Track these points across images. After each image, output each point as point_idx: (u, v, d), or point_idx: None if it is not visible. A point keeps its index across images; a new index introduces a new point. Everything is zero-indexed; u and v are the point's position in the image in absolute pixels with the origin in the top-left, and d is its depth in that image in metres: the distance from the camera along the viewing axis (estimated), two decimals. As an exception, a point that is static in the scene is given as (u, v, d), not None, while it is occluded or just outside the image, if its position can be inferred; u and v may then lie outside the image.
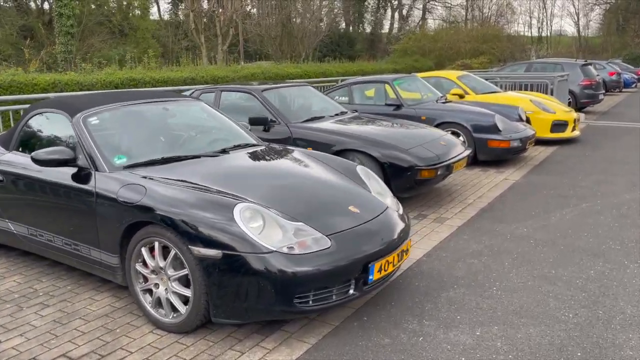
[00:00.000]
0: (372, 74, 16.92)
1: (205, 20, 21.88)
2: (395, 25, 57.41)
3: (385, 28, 58.13)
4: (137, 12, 38.46)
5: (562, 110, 9.58)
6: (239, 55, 33.46)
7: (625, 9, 61.87)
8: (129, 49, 32.40)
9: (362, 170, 3.95)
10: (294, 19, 29.75)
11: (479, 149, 7.49)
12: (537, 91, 12.26)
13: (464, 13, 59.43)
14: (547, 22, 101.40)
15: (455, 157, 5.73)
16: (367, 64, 17.50)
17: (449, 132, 7.14)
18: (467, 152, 6.10)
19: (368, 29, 55.67)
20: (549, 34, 75.60)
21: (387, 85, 8.27)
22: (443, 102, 8.35)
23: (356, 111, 6.96)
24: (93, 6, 31.06)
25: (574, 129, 9.64)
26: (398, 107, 8.03)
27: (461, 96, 9.78)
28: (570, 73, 14.07)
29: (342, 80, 11.74)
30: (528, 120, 9.24)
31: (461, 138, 7.45)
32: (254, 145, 4.25)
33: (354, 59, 28.53)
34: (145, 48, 34.42)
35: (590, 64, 15.32)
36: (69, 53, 26.56)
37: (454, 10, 59.48)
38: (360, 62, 18.29)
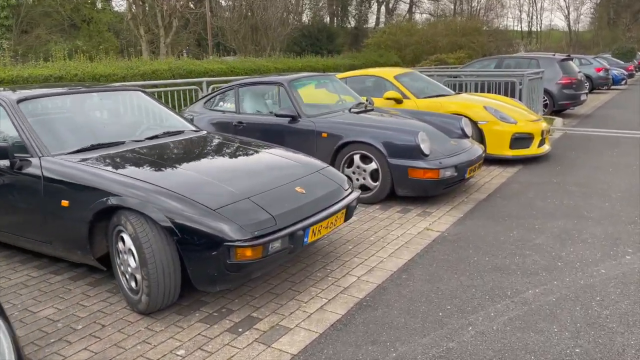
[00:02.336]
0: (322, 70, 14.64)
1: (147, 9, 19.49)
2: (382, 19, 55.27)
3: (372, 22, 55.97)
4: (99, 3, 35.93)
5: (526, 120, 7.33)
6: (201, 50, 31.13)
7: (617, 3, 60.03)
8: (80, 43, 30.06)
9: None
10: (257, 11, 27.36)
11: (397, 181, 5.23)
12: (504, 93, 10.02)
13: (452, 7, 57.36)
14: (537, 17, 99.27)
15: (325, 213, 3.45)
16: (318, 60, 15.28)
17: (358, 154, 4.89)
18: (352, 197, 3.82)
19: (352, 23, 53.52)
20: (539, 28, 73.70)
21: (281, 89, 5.99)
22: (359, 112, 6.07)
23: (198, 130, 4.68)
24: (36, -4, 28.54)
25: (542, 143, 7.41)
26: (294, 118, 5.76)
27: (398, 101, 7.53)
28: (547, 70, 11.85)
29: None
30: (481, 135, 7.00)
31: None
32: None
33: (332, 54, 26.24)
34: (99, 42, 32.03)
35: (571, 58, 13.10)
36: (1, 47, 24.11)
37: (441, 4, 57.37)
38: (309, 57, 16.05)
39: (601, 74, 19.29)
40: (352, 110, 6.06)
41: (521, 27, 70.68)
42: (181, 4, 19.04)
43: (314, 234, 3.29)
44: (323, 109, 6.06)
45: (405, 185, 5.21)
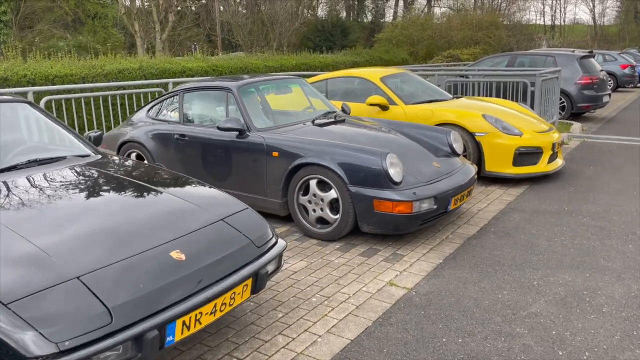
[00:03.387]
0: (319, 69, 13.55)
1: (142, 3, 18.58)
2: (400, 13, 53.84)
3: (389, 17, 54.54)
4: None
5: (534, 131, 6.17)
6: (213, 46, 30.24)
7: (644, -5, 57.66)
8: (84, 39, 29.38)
9: None
10: (264, 5, 26.30)
11: (360, 215, 4.14)
12: (513, 95, 8.84)
13: (473, 0, 55.63)
14: (560, 10, 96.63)
15: (210, 293, 2.40)
16: (315, 56, 14.17)
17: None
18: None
19: (369, 17, 52.28)
20: (562, 22, 71.39)
21: (230, 95, 4.93)
22: (324, 124, 4.99)
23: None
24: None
25: (553, 158, 6.23)
26: (241, 132, 4.70)
27: (383, 107, 6.43)
28: (565, 68, 10.60)
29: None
30: (478, 149, 5.87)
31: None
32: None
33: (346, 49, 25.05)
34: (105, 38, 31.32)
35: (593, 55, 11.79)
36: (3, 43, 23.48)
37: (462, -2, 55.73)
38: (306, 54, 14.94)
39: (627, 71, 17.85)
40: (315, 121, 4.97)
41: (544, 21, 68.46)
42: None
43: (188, 328, 2.23)
44: (280, 120, 4.99)
45: (371, 221, 4.11)
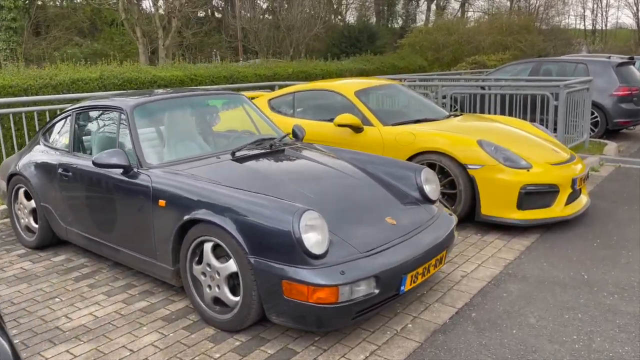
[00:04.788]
0: (320, 77, 12.25)
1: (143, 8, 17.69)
2: (432, 18, 52.25)
3: (420, 22, 52.96)
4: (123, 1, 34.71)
5: (547, 162, 4.71)
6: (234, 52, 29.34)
7: (692, -3, 54.38)
8: (99, 46, 28.84)
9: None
10: (280, 10, 25.19)
11: (266, 299, 2.80)
12: (530, 111, 7.38)
13: (509, 4, 53.52)
14: (602, 14, 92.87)
15: None
16: (317, 64, 12.84)
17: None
18: None
19: (400, 22, 50.90)
20: (604, 26, 68.20)
21: (122, 117, 3.66)
22: (245, 158, 3.67)
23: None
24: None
25: (573, 198, 4.77)
26: (126, 170, 3.42)
27: (356, 129, 5.12)
28: (598, 77, 9.03)
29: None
30: (472, 187, 4.49)
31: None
32: None
33: (375, 55, 23.68)
34: (122, 45, 30.74)
35: (633, 62, 10.12)
36: (13, 51, 23.02)
37: (496, 1, 53.65)
38: (305, 61, 13.64)
39: (673, 79, 15.91)
40: (237, 154, 3.65)
41: (584, 25, 65.40)
42: (182, 2, 17.06)
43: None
44: (189, 152, 3.70)
45: (281, 310, 2.77)
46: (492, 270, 3.86)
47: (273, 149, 3.86)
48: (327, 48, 34.21)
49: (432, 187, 3.64)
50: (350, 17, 42.29)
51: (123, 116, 3.64)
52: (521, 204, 4.47)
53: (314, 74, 12.05)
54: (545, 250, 4.22)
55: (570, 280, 3.66)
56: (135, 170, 3.41)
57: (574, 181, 4.66)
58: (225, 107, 4.32)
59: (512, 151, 4.65)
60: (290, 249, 2.66)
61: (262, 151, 3.79)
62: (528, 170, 4.50)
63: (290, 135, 4.40)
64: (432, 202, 3.59)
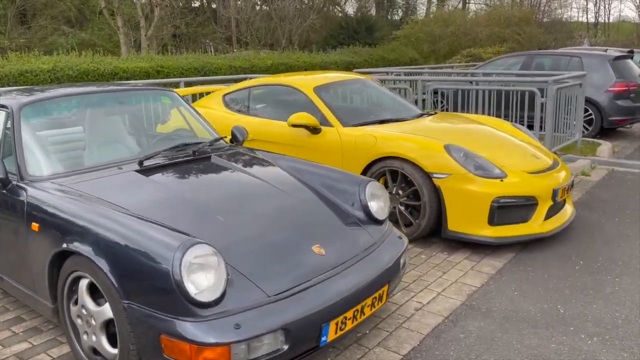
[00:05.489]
0: (304, 69, 11.62)
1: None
2: (433, 9, 51.39)
3: (421, 13, 52.10)
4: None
5: (524, 170, 4.10)
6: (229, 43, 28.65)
7: (696, -10, 53.43)
8: (86, 35, 28.14)
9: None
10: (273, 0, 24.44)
11: (146, 357, 2.20)
12: (519, 107, 6.78)
13: (511, -3, 52.68)
14: (605, 7, 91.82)
15: None
16: (300, 55, 12.17)
17: None
18: None
19: (400, 14, 50.10)
20: (606, 19, 67.17)
21: (9, 118, 3.05)
22: (154, 168, 3.06)
23: None
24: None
25: (555, 210, 4.17)
26: (2, 182, 2.82)
27: (313, 130, 4.53)
28: (593, 72, 8.42)
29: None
30: (438, 198, 3.89)
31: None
32: None
33: (371, 47, 22.97)
34: (110, 35, 30.03)
35: (631, 55, 9.48)
36: (-6, 40, 22.37)
37: (499, -7, 52.86)
38: (288, 53, 12.97)
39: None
40: (145, 163, 3.04)
41: (587, 18, 64.36)
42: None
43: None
44: (89, 160, 3.09)
45: (162, 372, 2.17)
46: (452, 301, 3.26)
47: (197, 157, 3.26)
48: (325, 40, 33.47)
49: (379, 204, 3.04)
50: (350, 8, 41.45)
51: (10, 116, 3.03)
52: (493, 219, 3.87)
53: (296, 66, 11.41)
54: (519, 274, 3.63)
55: (543, 315, 3.07)
56: (13, 183, 2.80)
57: (555, 192, 4.06)
58: (145, 104, 3.71)
59: (485, 158, 4.04)
60: (170, 294, 2.07)
61: (182, 159, 3.18)
62: (501, 180, 3.89)
63: (227, 139, 3.80)
64: (379, 222, 2.99)
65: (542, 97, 6.50)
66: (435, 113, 5.35)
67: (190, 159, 3.22)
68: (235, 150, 3.54)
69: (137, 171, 2.94)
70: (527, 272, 3.65)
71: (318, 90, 4.85)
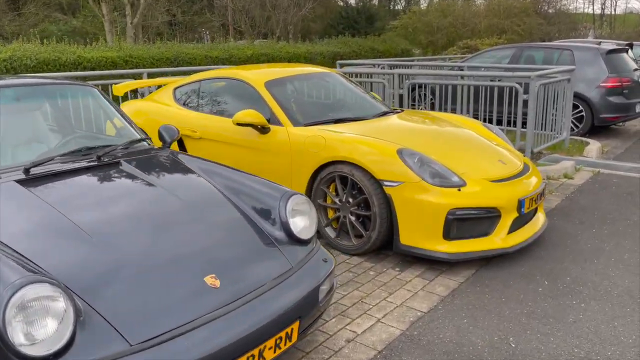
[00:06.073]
0: (286, 61, 11.17)
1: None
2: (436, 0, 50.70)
3: (424, 4, 51.39)
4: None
5: (485, 178, 3.68)
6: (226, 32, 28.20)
7: None
8: (79, 23, 27.69)
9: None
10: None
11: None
12: (501, 103, 6.36)
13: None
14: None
15: None
16: (283, 46, 11.68)
17: None
18: None
19: (402, 4, 49.40)
20: (613, 11, 66.13)
21: None
22: (41, 178, 2.65)
23: None
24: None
25: (521, 222, 3.76)
26: None
27: (261, 129, 4.15)
28: (584, 66, 7.99)
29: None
30: (389, 208, 3.49)
31: None
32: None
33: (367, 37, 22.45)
34: (103, 22, 29.52)
35: (626, 49, 9.00)
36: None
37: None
38: (271, 43, 12.50)
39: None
40: (32, 170, 2.64)
41: (593, 9, 63.40)
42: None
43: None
44: None
45: None
46: (392, 330, 2.86)
47: (102, 163, 2.85)
48: (325, 29, 32.92)
49: (303, 222, 2.64)
50: (352, -1, 40.80)
51: None
52: (449, 233, 3.47)
53: (278, 57, 10.95)
54: (474, 296, 3.22)
55: (490, 351, 2.67)
56: None
57: (520, 203, 3.64)
58: (62, 100, 3.30)
59: (443, 164, 3.62)
60: (-4, 345, 1.67)
61: (81, 166, 2.78)
62: (459, 190, 3.48)
63: (151, 141, 3.39)
64: (302, 242, 2.59)
65: (526, 93, 6.06)
66: (402, 111, 4.92)
67: (93, 165, 2.81)
68: (153, 154, 3.14)
69: (19, 181, 2.53)
70: (484, 294, 3.24)
71: (270, 85, 4.42)
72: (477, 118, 6.80)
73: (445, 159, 3.71)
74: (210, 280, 2.15)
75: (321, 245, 2.73)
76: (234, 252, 2.37)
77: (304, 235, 2.60)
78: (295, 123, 4.17)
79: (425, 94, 8.74)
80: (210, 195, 2.72)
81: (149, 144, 3.33)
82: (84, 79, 7.29)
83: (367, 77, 7.50)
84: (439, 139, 4.13)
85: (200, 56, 9.48)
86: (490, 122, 6.95)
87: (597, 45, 8.53)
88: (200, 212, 2.54)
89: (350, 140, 3.79)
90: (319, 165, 3.87)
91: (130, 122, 3.43)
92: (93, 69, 7.90)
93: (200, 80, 4.97)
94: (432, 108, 8.33)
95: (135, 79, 6.34)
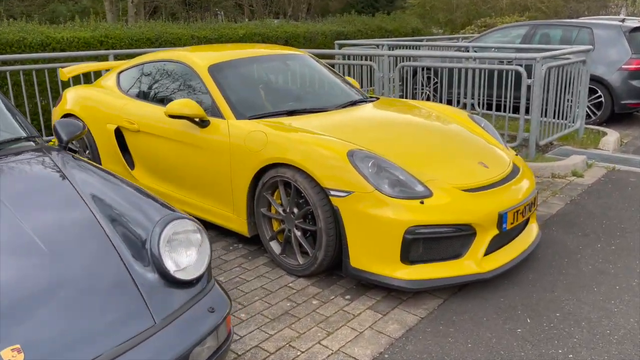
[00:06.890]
0: (283, 42, 10.43)
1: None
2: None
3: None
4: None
5: (456, 187, 2.95)
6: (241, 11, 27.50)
7: None
8: (89, 3, 27.27)
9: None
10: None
11: None
12: (504, 88, 5.59)
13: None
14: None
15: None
16: (282, 25, 10.94)
17: None
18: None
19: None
20: (646, -14, 63.09)
21: None
22: None
23: None
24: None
25: (505, 238, 3.05)
26: None
27: (200, 122, 3.49)
28: (604, 46, 7.11)
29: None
30: (336, 224, 2.80)
31: None
32: None
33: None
34: (112, 2, 28.99)
35: (654, 26, 8.03)
36: (-11, 7, 21.59)
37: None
38: (267, 21, 11.75)
39: None
40: None
41: (623, -15, 60.67)
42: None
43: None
44: None
45: None
46: (315, 390, 2.21)
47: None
48: (344, 8, 31.88)
49: (186, 257, 1.98)
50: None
51: None
52: (408, 256, 2.78)
53: (274, 37, 10.20)
54: (434, 339, 2.55)
55: None
56: None
57: (502, 217, 2.92)
58: None
59: (407, 169, 2.92)
60: None
61: None
62: (422, 202, 2.78)
63: (40, 139, 2.76)
64: (184, 285, 1.94)
65: (528, 78, 5.27)
66: (378, 99, 4.20)
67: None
68: (30, 157, 2.51)
69: None
70: (446, 338, 2.56)
71: (214, 69, 3.74)
72: (479, 104, 6.06)
73: (412, 162, 3.00)
74: (9, 354, 1.52)
75: (218, 286, 2.08)
76: (66, 311, 1.72)
77: (187, 275, 1.95)
78: (239, 115, 3.50)
79: (429, 77, 7.95)
80: (71, 223, 2.07)
81: (39, 143, 2.70)
82: (41, 61, 6.72)
83: (360, 60, 6.74)
84: (408, 136, 3.42)
85: (185, 36, 8.80)
86: (491, 108, 6.18)
87: (619, 23, 7.60)
88: (44, 250, 1.89)
89: (294, 138, 3.10)
90: (260, 167, 3.21)
91: (16, 116, 2.80)
92: (63, 50, 7.29)
93: (142, 64, 4.32)
94: (437, 93, 7.57)
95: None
